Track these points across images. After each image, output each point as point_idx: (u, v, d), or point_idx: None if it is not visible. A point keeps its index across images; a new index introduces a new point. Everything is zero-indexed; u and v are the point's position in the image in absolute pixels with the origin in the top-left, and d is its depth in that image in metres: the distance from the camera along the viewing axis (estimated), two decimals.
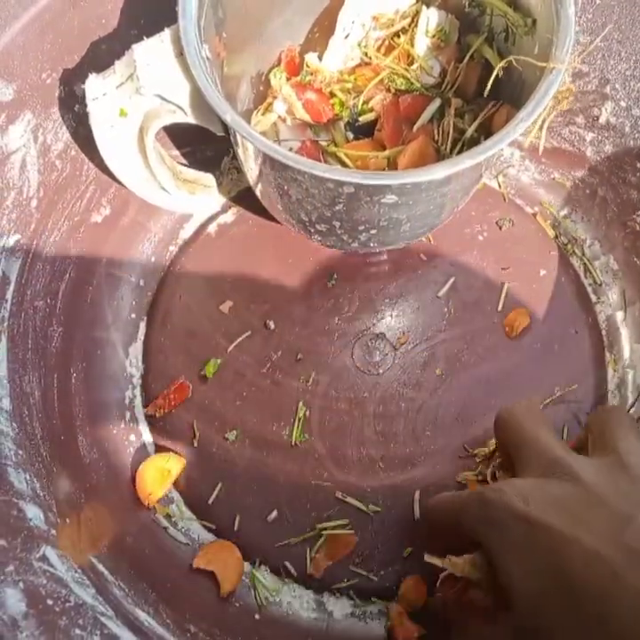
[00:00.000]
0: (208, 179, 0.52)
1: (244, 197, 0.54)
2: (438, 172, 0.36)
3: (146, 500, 0.46)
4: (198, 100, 0.41)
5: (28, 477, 0.38)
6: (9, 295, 0.42)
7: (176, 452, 0.49)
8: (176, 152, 0.53)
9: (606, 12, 0.48)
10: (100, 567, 0.38)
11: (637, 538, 0.31)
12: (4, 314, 0.42)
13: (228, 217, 0.55)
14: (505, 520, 0.34)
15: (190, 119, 0.42)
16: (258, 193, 0.48)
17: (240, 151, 0.43)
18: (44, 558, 0.33)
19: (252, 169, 0.44)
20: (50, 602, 0.30)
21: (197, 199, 0.51)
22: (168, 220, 0.54)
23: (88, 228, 0.49)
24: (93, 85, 0.41)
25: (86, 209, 0.48)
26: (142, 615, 0.37)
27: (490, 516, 0.35)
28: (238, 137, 0.40)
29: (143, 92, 0.40)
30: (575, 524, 0.32)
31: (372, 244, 0.47)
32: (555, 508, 0.33)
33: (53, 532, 0.35)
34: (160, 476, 0.47)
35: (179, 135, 0.52)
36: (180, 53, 0.39)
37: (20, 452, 0.38)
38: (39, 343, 0.44)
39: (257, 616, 0.45)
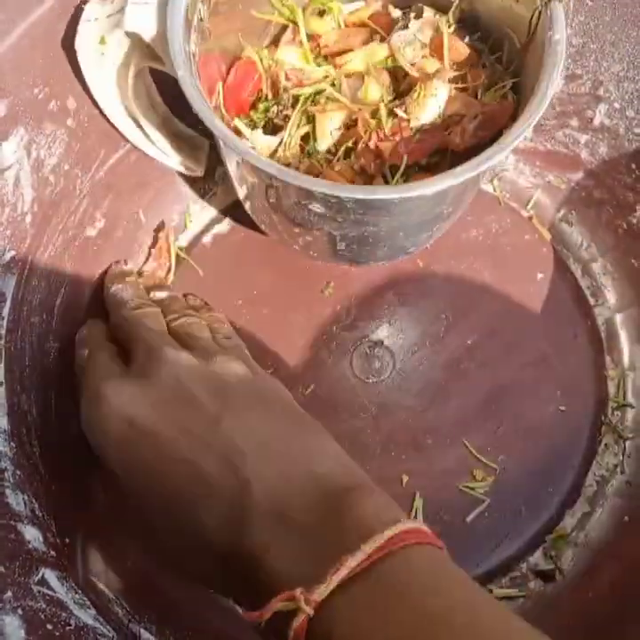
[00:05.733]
0: (200, 141, 0.51)
1: (239, 207, 0.54)
2: (440, 184, 0.35)
3: None
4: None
5: (26, 498, 0.37)
6: (5, 312, 0.42)
7: None
8: None
9: (598, 14, 0.48)
10: (101, 586, 0.38)
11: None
12: (1, 331, 0.41)
13: (223, 227, 0.55)
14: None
15: (168, 70, 0.41)
16: (248, 208, 0.48)
17: (228, 163, 0.43)
18: (43, 581, 0.32)
19: (238, 182, 0.44)
20: (50, 626, 0.30)
21: (181, 157, 0.50)
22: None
23: (82, 241, 0.49)
24: (91, 8, 0.41)
25: (80, 223, 0.48)
26: (145, 634, 0.37)
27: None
28: (223, 148, 0.40)
29: (124, 26, 0.39)
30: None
31: (368, 261, 0.47)
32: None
33: (53, 553, 0.35)
34: None
35: None
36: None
37: (19, 472, 0.38)
38: (36, 360, 0.44)
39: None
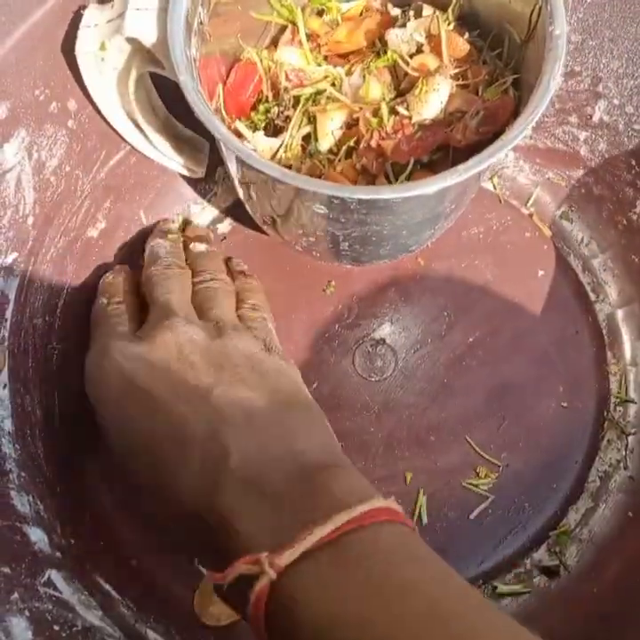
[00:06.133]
0: (201, 142, 0.51)
1: (240, 207, 0.54)
2: (444, 181, 0.35)
3: None
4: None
5: (31, 499, 0.37)
6: (8, 314, 0.42)
7: None
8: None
9: (597, 11, 0.48)
10: (107, 586, 0.38)
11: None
12: (5, 333, 0.41)
13: (225, 227, 0.55)
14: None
15: (169, 74, 0.41)
16: (249, 209, 0.48)
17: (229, 166, 0.43)
18: (49, 582, 0.32)
19: (240, 185, 0.44)
20: (56, 627, 0.30)
21: (182, 159, 0.50)
22: None
23: (84, 243, 0.49)
24: (90, 14, 0.41)
25: (82, 224, 0.48)
26: (151, 634, 0.37)
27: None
28: (225, 151, 0.40)
29: (125, 32, 0.39)
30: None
31: (371, 260, 0.47)
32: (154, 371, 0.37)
33: (58, 554, 0.35)
34: None
35: None
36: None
37: (23, 473, 0.38)
38: (39, 361, 0.44)
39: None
